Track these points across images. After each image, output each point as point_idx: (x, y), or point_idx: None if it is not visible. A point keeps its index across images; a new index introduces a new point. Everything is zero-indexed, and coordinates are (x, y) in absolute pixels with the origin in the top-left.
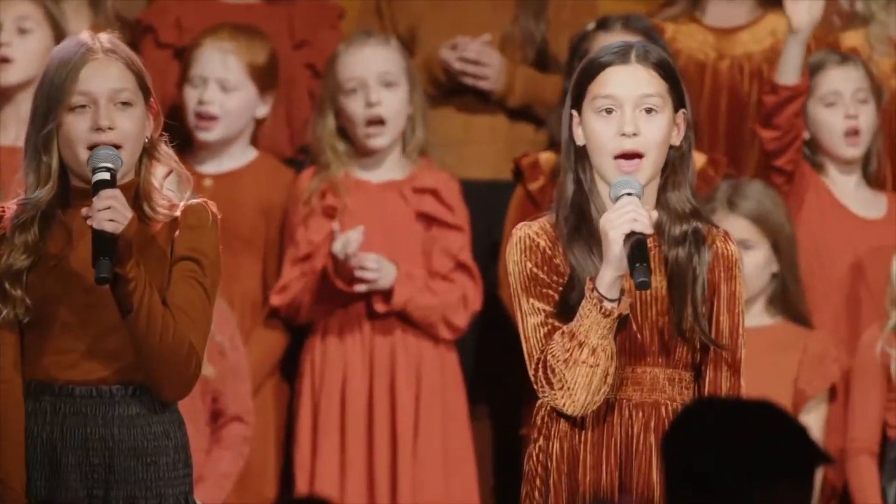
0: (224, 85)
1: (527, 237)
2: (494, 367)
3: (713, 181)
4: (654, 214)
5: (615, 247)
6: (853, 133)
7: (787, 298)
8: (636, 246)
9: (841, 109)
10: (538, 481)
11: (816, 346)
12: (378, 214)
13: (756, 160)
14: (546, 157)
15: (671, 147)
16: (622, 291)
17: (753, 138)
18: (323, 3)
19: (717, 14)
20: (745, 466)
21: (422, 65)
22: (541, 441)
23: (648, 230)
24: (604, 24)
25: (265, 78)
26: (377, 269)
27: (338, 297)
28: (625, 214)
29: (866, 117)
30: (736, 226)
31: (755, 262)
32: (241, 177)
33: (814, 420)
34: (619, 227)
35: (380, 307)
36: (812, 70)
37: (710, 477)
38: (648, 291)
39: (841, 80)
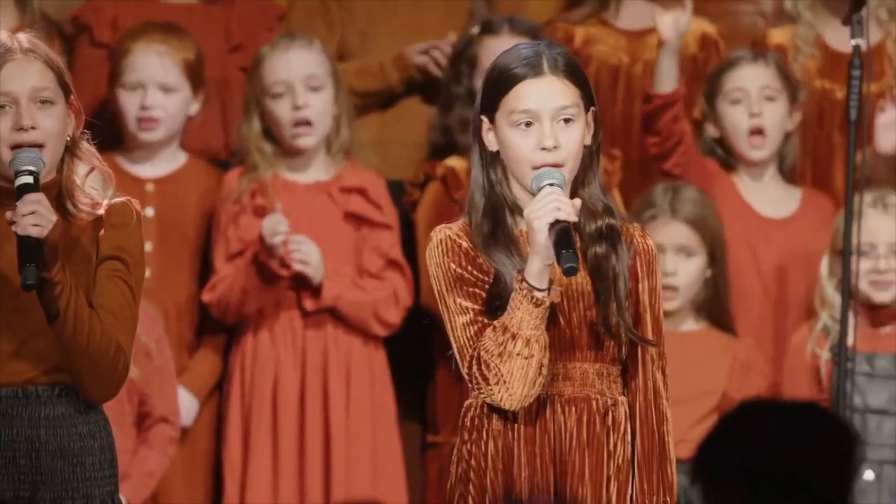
0: (164, 87)
1: (448, 239)
2: (423, 367)
3: (613, 175)
4: (578, 202)
5: (541, 236)
6: (757, 132)
7: (716, 304)
8: (561, 233)
9: (745, 107)
10: (472, 483)
11: (744, 354)
12: (307, 216)
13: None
14: (458, 164)
15: (584, 147)
16: (551, 281)
17: None
18: (262, 4)
19: (627, 16)
20: (791, 467)
21: (377, 67)
22: (471, 441)
23: (572, 217)
24: (490, 28)
25: (198, 76)
26: (307, 250)
27: (268, 292)
28: (548, 204)
29: (772, 115)
30: (677, 232)
31: (696, 268)
32: (180, 179)
33: None
34: (543, 217)
35: (309, 304)
36: (725, 67)
37: (755, 480)
38: (574, 287)
39: (748, 78)
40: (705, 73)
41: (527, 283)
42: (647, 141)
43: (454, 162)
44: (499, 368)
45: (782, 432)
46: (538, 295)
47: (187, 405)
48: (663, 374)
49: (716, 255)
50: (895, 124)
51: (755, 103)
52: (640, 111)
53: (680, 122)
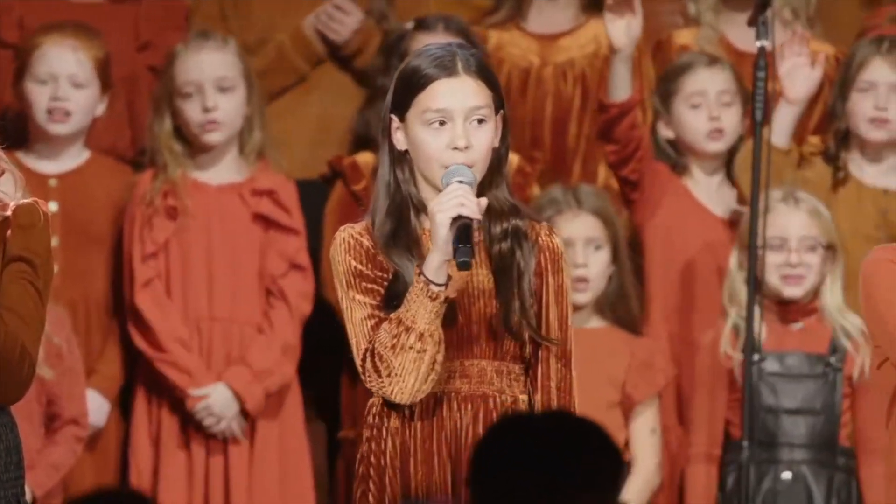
0: (75, 81)
1: (350, 237)
2: (327, 367)
3: (530, 177)
4: (483, 202)
5: (442, 230)
6: (716, 131)
7: (620, 302)
8: (462, 228)
9: (705, 111)
10: (372, 481)
11: (643, 352)
12: (217, 216)
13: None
14: (364, 158)
15: (493, 149)
16: (449, 277)
17: (577, 144)
18: (169, 3)
19: (540, 21)
20: (552, 481)
21: (276, 55)
22: (372, 440)
23: (476, 215)
24: (424, 25)
25: (107, 76)
26: (218, 412)
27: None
28: (453, 199)
29: (730, 119)
30: (585, 223)
31: (603, 261)
32: (84, 175)
33: (643, 426)
34: (446, 211)
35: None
36: (680, 70)
37: (517, 493)
38: (476, 285)
39: (707, 82)
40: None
41: (424, 276)
42: (605, 149)
43: (363, 155)
44: (391, 361)
45: (544, 445)
46: (434, 289)
47: (97, 406)
48: (569, 372)
49: (617, 253)
50: (798, 69)
51: (714, 107)
52: (602, 122)
53: (637, 129)
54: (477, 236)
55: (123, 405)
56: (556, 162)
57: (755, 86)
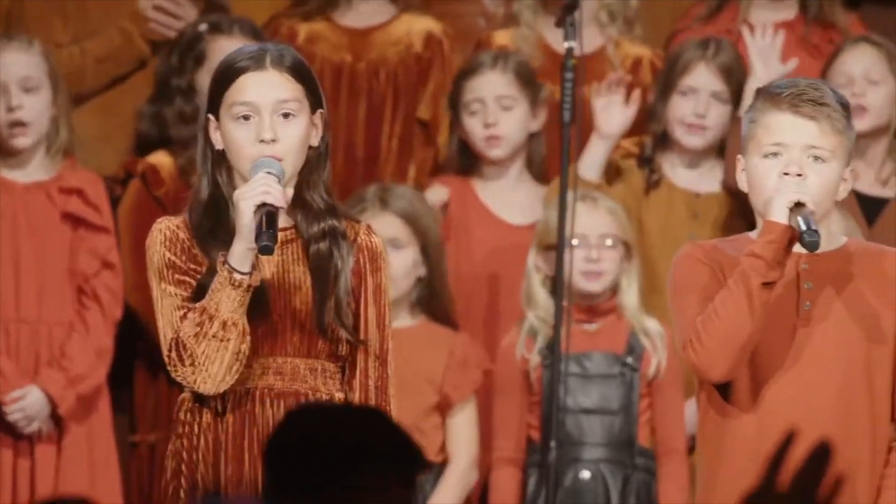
0: None
1: (167, 229)
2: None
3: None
4: (290, 192)
5: (245, 218)
6: (493, 138)
7: (433, 303)
8: (266, 216)
9: (482, 118)
10: (184, 477)
11: (461, 349)
12: (25, 215)
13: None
14: (160, 161)
15: (310, 148)
16: (254, 266)
17: (389, 143)
18: None
19: (352, 15)
20: (346, 473)
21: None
22: (184, 436)
23: (281, 204)
24: (219, 27)
25: None
26: (30, 417)
27: None
28: (257, 187)
29: (507, 123)
30: (387, 223)
31: (404, 262)
32: None
33: (460, 424)
34: (249, 199)
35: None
36: (467, 73)
37: (312, 485)
38: (292, 283)
39: (485, 87)
40: (430, 72)
41: (228, 264)
42: None
43: (159, 158)
44: (194, 350)
45: (338, 437)
46: (238, 277)
47: None
48: (386, 371)
49: (429, 253)
50: (613, 106)
51: (491, 113)
52: (366, 110)
53: None
54: (293, 237)
55: None
56: (370, 161)
57: (563, 87)
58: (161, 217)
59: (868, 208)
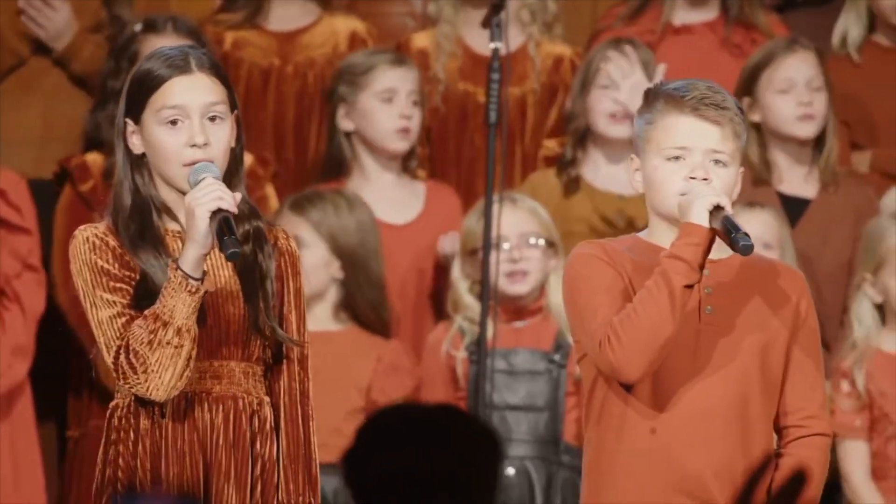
0: None
1: (94, 237)
2: (57, 368)
3: (262, 180)
4: (238, 195)
5: (201, 223)
6: (404, 130)
7: (356, 307)
8: (223, 221)
9: (396, 108)
10: (120, 483)
11: (390, 355)
12: None
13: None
14: (93, 159)
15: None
16: (205, 272)
17: (318, 145)
18: None
19: (278, 18)
20: (432, 473)
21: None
22: (119, 442)
23: (233, 209)
24: (152, 26)
25: None
26: None
27: None
28: (211, 192)
29: (417, 118)
30: (293, 225)
31: (311, 262)
32: None
33: None
34: (205, 205)
35: None
36: (365, 67)
37: (396, 486)
38: (224, 287)
39: (397, 80)
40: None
41: (182, 271)
42: None
43: (92, 156)
44: (147, 357)
45: (421, 437)
46: (193, 283)
47: None
48: (307, 375)
49: (344, 257)
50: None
51: (405, 106)
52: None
53: None
54: None
55: None
56: (299, 164)
57: (489, 88)
58: (88, 220)
59: (791, 209)
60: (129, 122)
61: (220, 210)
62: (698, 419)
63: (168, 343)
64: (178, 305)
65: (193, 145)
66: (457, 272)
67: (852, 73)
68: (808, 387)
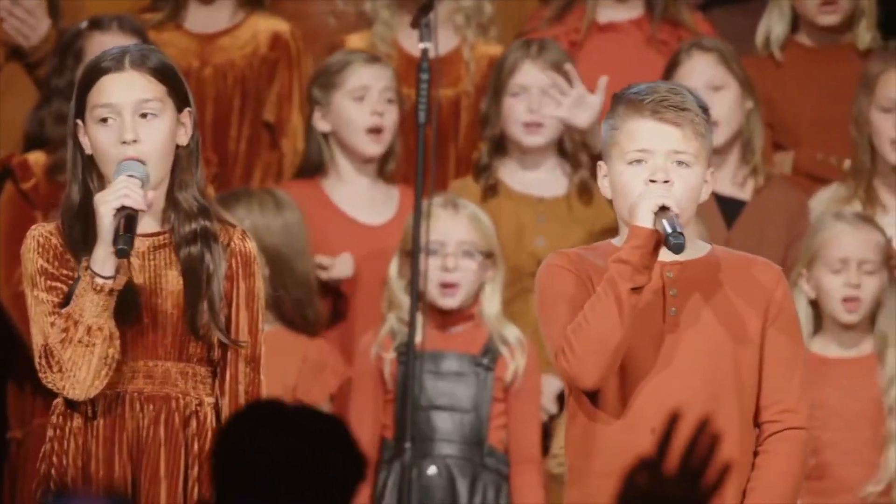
0: None
1: (40, 236)
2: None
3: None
4: (151, 194)
5: (105, 221)
6: (376, 131)
7: (281, 306)
8: (125, 219)
9: (368, 106)
10: (53, 481)
11: (315, 354)
12: None
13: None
14: (35, 158)
15: (179, 147)
16: (118, 269)
17: (237, 147)
18: None
19: (198, 20)
20: (294, 473)
21: None
22: (56, 440)
23: (141, 207)
24: (98, 24)
25: None
26: None
27: None
28: (117, 191)
29: (391, 116)
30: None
31: None
32: None
33: None
34: (109, 203)
35: None
36: (339, 66)
37: (258, 481)
38: (164, 286)
39: (370, 78)
40: (274, 73)
41: (91, 269)
42: None
43: (35, 154)
44: (61, 356)
45: (285, 434)
46: (99, 281)
47: None
48: (258, 376)
49: (268, 256)
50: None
51: (377, 103)
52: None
53: None
54: (167, 238)
55: None
56: (219, 164)
57: (418, 88)
58: (30, 218)
59: (726, 210)
60: (79, 122)
61: (123, 208)
62: (665, 421)
63: (79, 342)
64: (87, 304)
65: (123, 142)
66: (394, 272)
67: (775, 74)
68: (784, 380)
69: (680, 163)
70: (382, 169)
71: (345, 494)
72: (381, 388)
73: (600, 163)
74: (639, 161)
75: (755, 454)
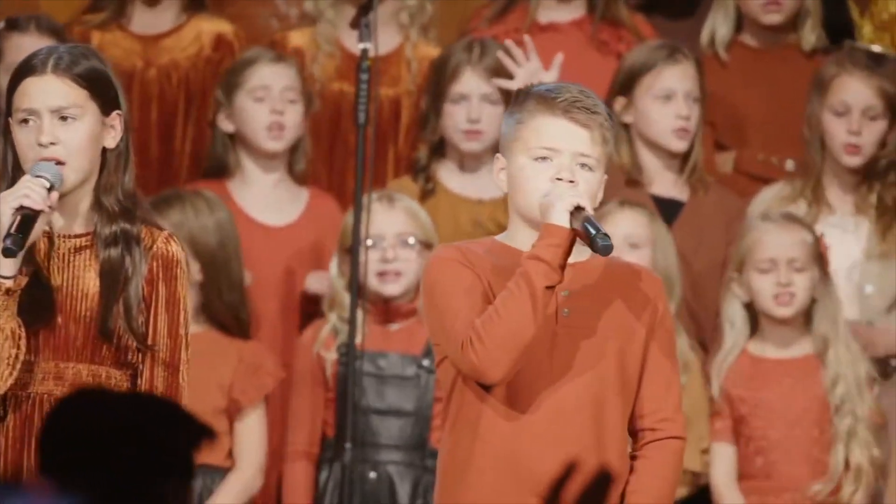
0: None
1: None
2: None
3: None
4: (55, 195)
5: (4, 219)
6: (277, 128)
7: (213, 309)
8: (21, 219)
9: (268, 104)
10: None
11: (251, 356)
12: None
13: None
14: None
15: (107, 150)
16: (21, 271)
17: (182, 147)
18: None
19: (142, 21)
20: (126, 462)
21: None
22: None
23: (40, 206)
24: (15, 24)
25: None
26: None
27: None
28: (19, 191)
29: (292, 115)
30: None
31: None
32: None
33: (249, 428)
34: (9, 202)
35: None
36: (244, 65)
37: (88, 471)
38: (78, 287)
39: (273, 77)
40: (218, 74)
41: None
42: None
43: None
44: None
45: (106, 409)
46: None
47: None
48: (177, 380)
49: (204, 260)
50: None
51: (278, 101)
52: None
53: None
54: (89, 240)
55: None
56: (163, 164)
57: (358, 88)
58: None
59: (664, 211)
60: (11, 122)
61: (22, 207)
62: (552, 421)
63: None
64: None
65: (40, 144)
66: (334, 270)
67: (719, 74)
68: (663, 389)
69: (583, 165)
70: (292, 169)
71: (181, 462)
72: (322, 384)
73: (498, 155)
74: (544, 158)
75: (632, 458)
